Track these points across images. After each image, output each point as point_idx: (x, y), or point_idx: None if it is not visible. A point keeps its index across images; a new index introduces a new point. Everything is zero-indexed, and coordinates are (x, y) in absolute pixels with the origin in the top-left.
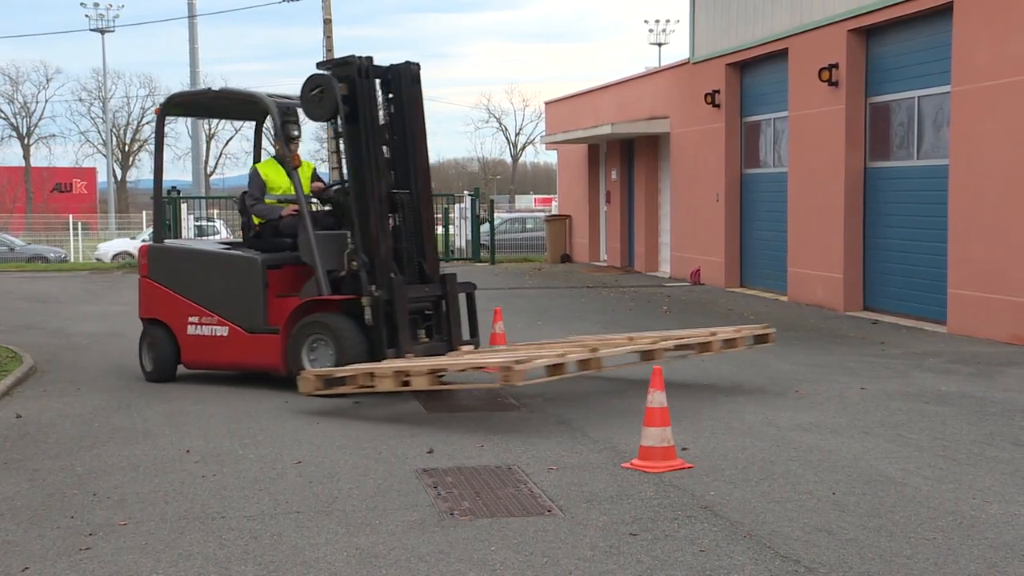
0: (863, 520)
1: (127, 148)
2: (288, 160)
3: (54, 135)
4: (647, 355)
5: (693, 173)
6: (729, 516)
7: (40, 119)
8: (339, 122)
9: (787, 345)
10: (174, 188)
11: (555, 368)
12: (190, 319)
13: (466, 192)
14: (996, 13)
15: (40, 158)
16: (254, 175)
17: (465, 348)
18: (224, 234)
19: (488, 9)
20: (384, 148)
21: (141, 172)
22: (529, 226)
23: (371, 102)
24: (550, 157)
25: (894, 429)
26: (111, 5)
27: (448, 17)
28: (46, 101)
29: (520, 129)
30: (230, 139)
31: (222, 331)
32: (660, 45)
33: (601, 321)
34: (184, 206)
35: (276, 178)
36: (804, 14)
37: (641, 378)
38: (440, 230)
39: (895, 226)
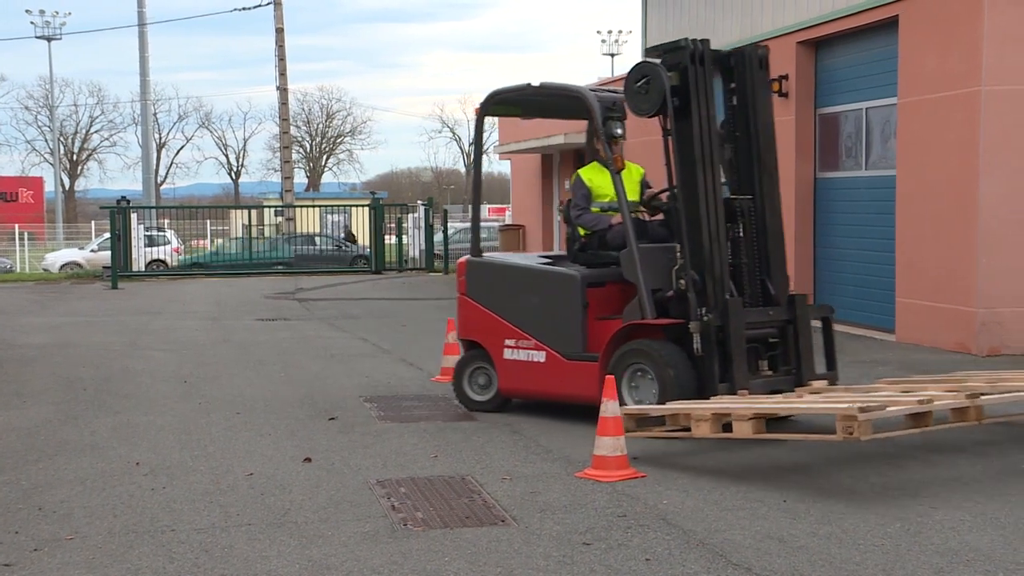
0: (813, 527)
1: (75, 157)
2: (610, 162)
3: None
4: None
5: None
6: (682, 524)
7: None
8: (667, 118)
9: None
10: (123, 198)
11: (918, 418)
12: (507, 342)
13: (419, 202)
14: (940, 26)
15: None
16: (577, 181)
17: (816, 384)
18: (175, 243)
19: (441, 19)
20: (726, 147)
21: (89, 181)
22: (483, 235)
23: (706, 93)
24: (504, 167)
25: None
26: (57, 12)
27: (401, 27)
28: None
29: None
30: (181, 148)
31: (539, 356)
32: (613, 55)
33: None
34: (135, 216)
35: (603, 184)
36: (754, 26)
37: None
38: (392, 240)
39: (844, 236)
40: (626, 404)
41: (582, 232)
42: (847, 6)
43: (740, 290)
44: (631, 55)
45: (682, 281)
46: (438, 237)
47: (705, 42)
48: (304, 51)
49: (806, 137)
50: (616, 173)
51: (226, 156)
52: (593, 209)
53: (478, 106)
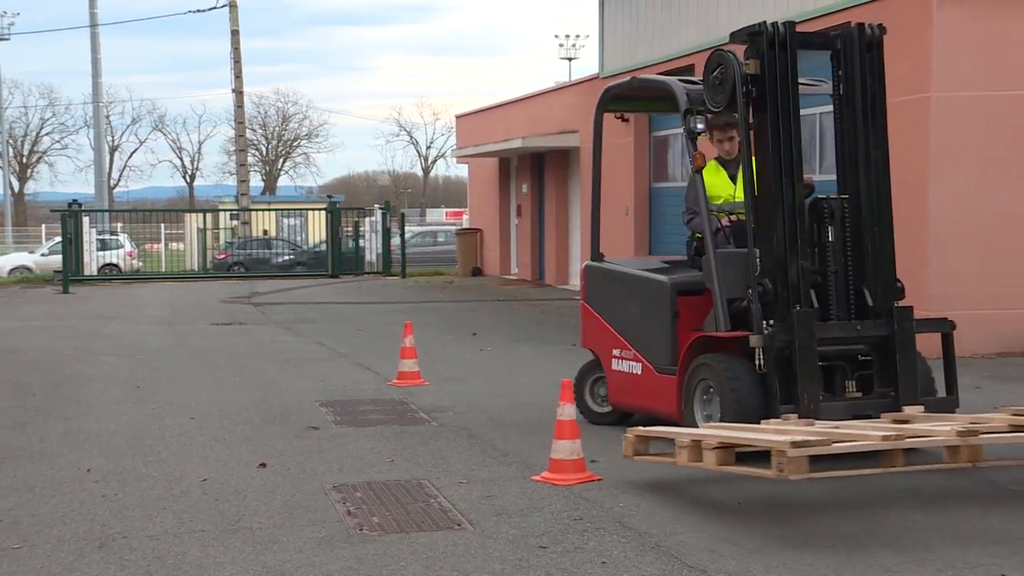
0: (767, 530)
1: (24, 160)
2: (689, 160)
3: None
4: None
5: (603, 187)
6: (637, 528)
7: None
8: (746, 110)
9: None
10: (75, 201)
11: (889, 456)
12: (614, 351)
13: (376, 205)
14: (890, 35)
15: None
16: (690, 181)
17: (912, 410)
18: (128, 247)
19: (398, 23)
20: (838, 139)
21: (40, 184)
22: (440, 239)
23: (787, 82)
24: (461, 171)
25: None
26: (5, 12)
27: (358, 30)
28: None
29: (431, 143)
30: (134, 151)
31: (636, 368)
32: (570, 60)
33: (512, 335)
34: (87, 219)
35: (717, 183)
36: (710, 31)
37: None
38: (350, 244)
39: None
40: (697, 422)
41: (697, 235)
42: (801, 12)
43: (826, 299)
44: (589, 60)
45: (751, 290)
46: (395, 241)
47: (789, 25)
48: (260, 54)
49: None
50: (696, 172)
51: (180, 159)
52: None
53: (597, 104)
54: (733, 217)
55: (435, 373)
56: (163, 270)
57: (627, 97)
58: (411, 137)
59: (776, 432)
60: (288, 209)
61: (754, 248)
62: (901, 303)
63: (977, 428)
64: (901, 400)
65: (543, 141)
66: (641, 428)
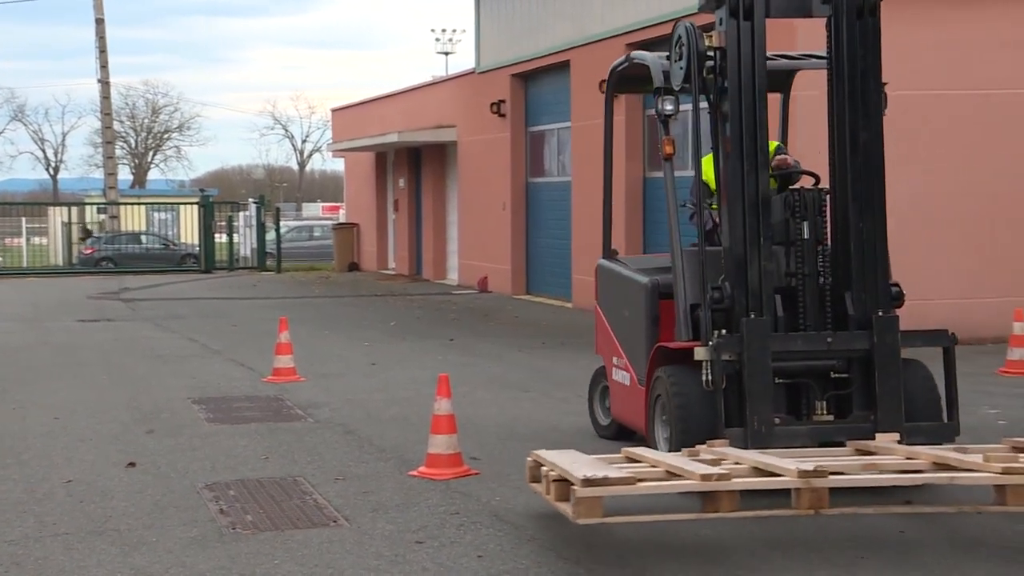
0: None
1: None
2: (660, 147)
3: None
4: None
5: (480, 182)
6: (514, 521)
7: None
8: (705, 88)
9: (573, 351)
10: None
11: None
12: (614, 359)
13: (251, 199)
14: None
15: None
16: (695, 173)
17: (886, 437)
18: None
19: (271, 14)
20: (837, 121)
21: None
22: (316, 234)
23: (752, 56)
24: (338, 165)
25: None
26: None
27: (230, 21)
28: None
29: (307, 136)
30: None
31: (627, 379)
32: (447, 54)
33: (389, 330)
34: None
35: (712, 174)
36: (585, 27)
37: None
38: (223, 238)
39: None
40: (658, 443)
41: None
42: (679, 8)
43: (797, 306)
44: (466, 54)
45: (706, 295)
46: (270, 235)
47: None
48: (127, 44)
49: (635, 137)
50: (665, 160)
51: (43, 151)
52: (714, 207)
53: (606, 88)
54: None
55: (311, 369)
56: (25, 265)
57: (630, 77)
58: (286, 131)
59: (683, 461)
60: (159, 203)
61: (703, 246)
62: (894, 311)
63: (828, 467)
64: (880, 425)
65: (420, 136)
66: (543, 452)
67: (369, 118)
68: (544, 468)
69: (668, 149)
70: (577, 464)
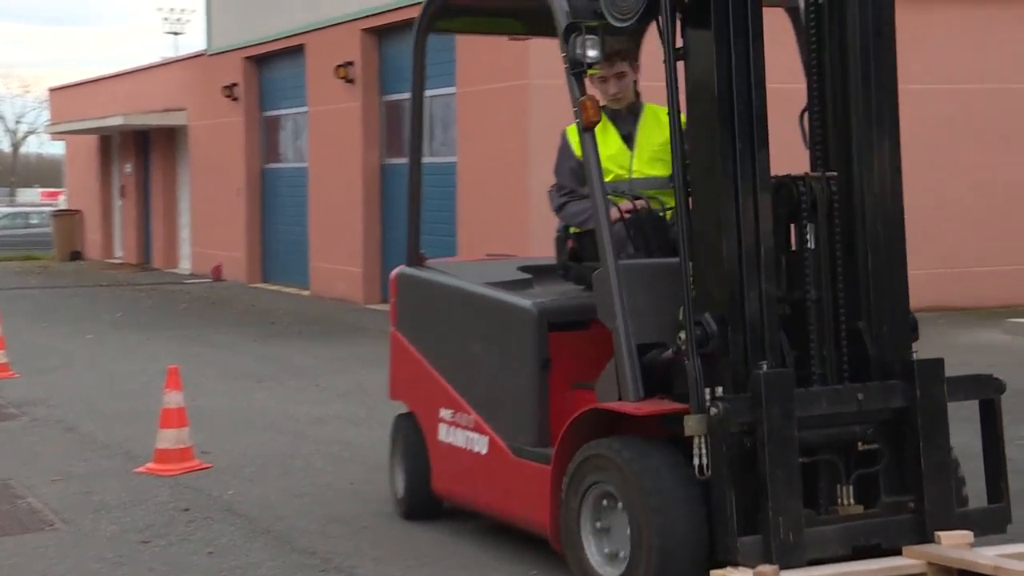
0: (379, 507)
1: None
2: (576, 112)
3: None
4: None
5: (213, 167)
6: (247, 514)
7: None
8: (667, 29)
9: (309, 339)
10: None
11: None
12: (442, 412)
13: None
14: None
15: None
16: (562, 147)
17: (954, 538)
18: None
19: None
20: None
21: None
22: (34, 221)
23: None
24: (58, 148)
25: None
26: None
27: None
28: None
29: (21, 117)
30: None
31: (480, 443)
32: (176, 34)
33: (115, 321)
34: None
35: (605, 149)
36: (320, 11)
37: None
38: None
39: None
40: (588, 560)
41: (573, 231)
42: None
43: (806, 349)
44: (197, 35)
45: (683, 334)
46: None
47: None
48: None
49: (372, 124)
50: (585, 130)
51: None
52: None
53: (417, 24)
54: (640, 203)
55: (27, 365)
56: None
57: (462, 8)
58: None
59: None
60: None
61: (687, 261)
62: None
63: None
64: (930, 519)
65: (147, 119)
66: None
67: (92, 99)
68: None
69: (591, 113)
70: None
